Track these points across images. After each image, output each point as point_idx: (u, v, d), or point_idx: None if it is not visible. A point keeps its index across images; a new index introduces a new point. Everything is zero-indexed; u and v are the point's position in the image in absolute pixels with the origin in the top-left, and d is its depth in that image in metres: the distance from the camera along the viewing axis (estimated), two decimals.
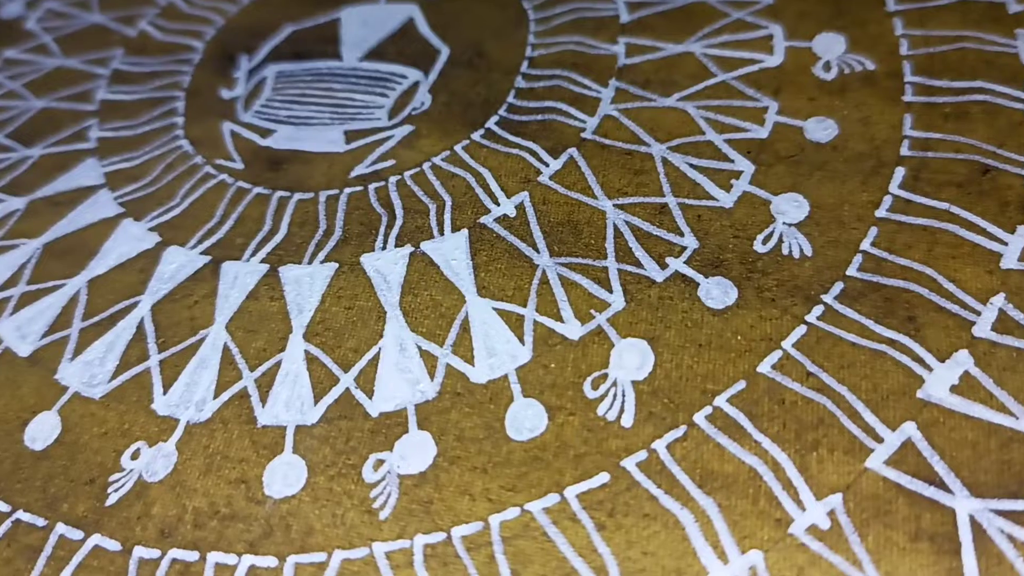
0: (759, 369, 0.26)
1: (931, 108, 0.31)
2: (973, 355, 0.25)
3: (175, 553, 0.26)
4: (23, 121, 0.41)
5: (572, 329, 0.28)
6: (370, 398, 0.28)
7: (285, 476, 0.27)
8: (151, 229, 0.35)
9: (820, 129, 0.31)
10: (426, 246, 0.31)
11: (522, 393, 0.27)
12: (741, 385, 0.26)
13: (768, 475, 0.24)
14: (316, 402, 0.28)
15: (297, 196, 0.35)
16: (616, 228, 0.30)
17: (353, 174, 0.35)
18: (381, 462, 0.27)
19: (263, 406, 0.29)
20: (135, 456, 0.28)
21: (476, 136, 0.35)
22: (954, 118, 0.30)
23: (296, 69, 0.40)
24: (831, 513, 0.23)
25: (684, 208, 0.30)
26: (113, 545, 0.27)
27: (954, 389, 0.25)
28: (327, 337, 0.30)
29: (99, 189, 0.37)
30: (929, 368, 0.25)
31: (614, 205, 0.31)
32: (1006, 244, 0.27)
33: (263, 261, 0.33)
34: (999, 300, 0.26)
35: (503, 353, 0.28)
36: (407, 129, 0.36)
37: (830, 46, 0.34)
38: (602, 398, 0.26)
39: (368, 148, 0.36)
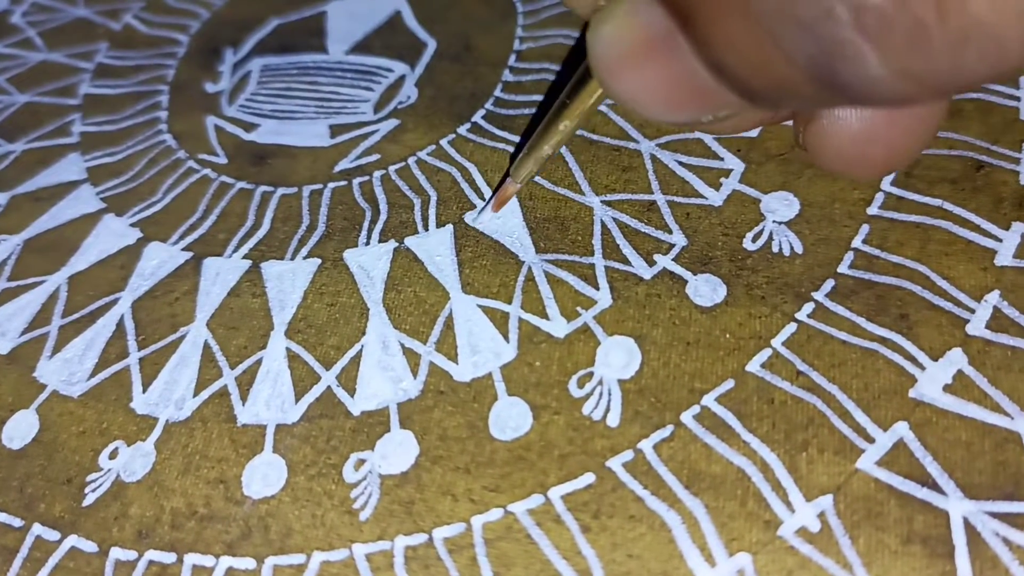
0: (748, 368, 0.26)
1: None
2: (967, 353, 0.25)
3: (152, 555, 0.26)
4: (6, 116, 0.41)
5: (558, 327, 0.28)
6: (352, 396, 0.28)
7: (265, 476, 0.26)
8: (133, 225, 0.34)
9: None
10: (410, 242, 0.31)
11: (506, 392, 0.26)
12: (730, 384, 0.25)
13: (757, 476, 0.24)
14: (297, 400, 0.28)
15: (280, 191, 0.34)
16: (603, 225, 0.29)
17: (337, 168, 0.34)
18: (362, 462, 0.26)
19: (243, 404, 0.28)
20: (113, 455, 0.28)
21: (462, 130, 0.34)
22: (947, 115, 0.30)
23: (281, 63, 0.40)
24: (821, 515, 0.23)
25: (673, 206, 0.30)
26: (90, 546, 0.26)
27: (947, 388, 0.24)
28: (309, 334, 0.29)
29: (81, 184, 0.37)
30: (922, 367, 0.25)
31: (601, 201, 0.30)
32: (1000, 241, 0.27)
33: (245, 257, 0.32)
34: (993, 297, 0.25)
35: (487, 351, 0.27)
36: (393, 123, 0.35)
37: None
38: (588, 397, 0.26)
39: (353, 142, 0.35)
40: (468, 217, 0.30)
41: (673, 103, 0.18)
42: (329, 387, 0.28)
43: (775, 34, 0.14)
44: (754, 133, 0.31)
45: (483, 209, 0.29)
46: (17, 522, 0.27)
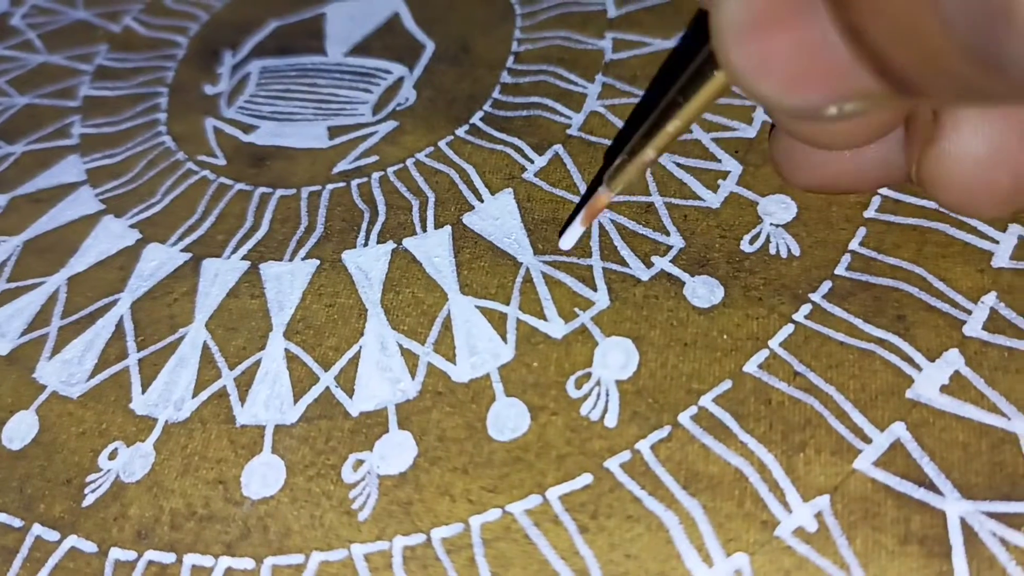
0: (745, 369, 0.26)
1: None
2: (964, 354, 0.25)
3: (151, 555, 0.26)
4: (6, 118, 0.41)
5: (555, 328, 0.28)
6: (350, 397, 0.28)
7: (264, 476, 0.27)
8: (132, 226, 0.34)
9: None
10: (408, 243, 0.31)
11: (504, 392, 0.27)
12: (727, 385, 0.25)
13: (754, 476, 0.24)
14: (296, 401, 0.28)
15: (279, 192, 0.34)
16: (601, 226, 0.30)
17: (336, 170, 0.34)
18: (361, 462, 0.26)
19: (242, 405, 0.28)
20: (112, 456, 0.28)
21: (460, 132, 0.34)
22: None
23: (280, 64, 0.40)
24: (818, 515, 0.23)
25: (670, 207, 0.30)
26: (89, 547, 0.26)
27: (944, 389, 0.24)
28: (308, 335, 0.29)
29: (81, 186, 0.37)
30: (919, 368, 0.25)
31: None
32: (997, 243, 0.27)
33: (244, 258, 0.32)
34: (990, 299, 0.25)
35: (485, 352, 0.28)
36: (391, 125, 0.36)
37: None
38: (585, 398, 0.26)
39: (352, 144, 0.35)
40: (562, 243, 0.29)
41: (799, 81, 0.16)
42: (328, 388, 0.28)
43: None
44: (752, 134, 0.31)
45: (569, 225, 0.28)
46: (17, 522, 0.27)
